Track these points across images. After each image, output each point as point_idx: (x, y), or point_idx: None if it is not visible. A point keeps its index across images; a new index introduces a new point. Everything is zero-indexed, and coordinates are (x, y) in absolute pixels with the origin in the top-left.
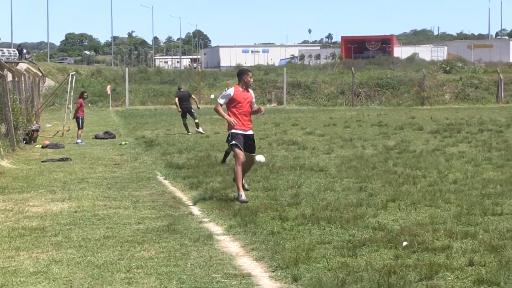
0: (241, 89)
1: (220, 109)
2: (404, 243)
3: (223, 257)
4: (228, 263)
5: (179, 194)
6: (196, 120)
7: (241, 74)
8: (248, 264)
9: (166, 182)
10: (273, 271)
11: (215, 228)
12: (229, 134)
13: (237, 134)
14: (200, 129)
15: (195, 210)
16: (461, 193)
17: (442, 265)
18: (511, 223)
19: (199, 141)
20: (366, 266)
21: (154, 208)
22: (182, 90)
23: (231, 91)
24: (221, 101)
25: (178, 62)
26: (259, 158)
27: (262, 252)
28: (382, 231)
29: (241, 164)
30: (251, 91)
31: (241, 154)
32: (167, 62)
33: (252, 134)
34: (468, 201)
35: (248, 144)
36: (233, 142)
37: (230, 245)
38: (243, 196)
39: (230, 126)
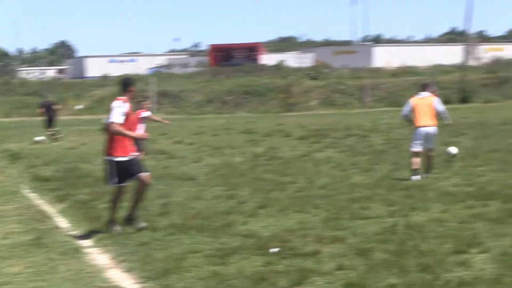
0: (128, 102)
1: (122, 129)
2: (274, 250)
3: (92, 270)
4: (98, 276)
5: (46, 207)
6: (54, 130)
7: (128, 84)
8: (118, 276)
9: (32, 195)
10: (144, 282)
11: (83, 241)
12: (109, 163)
13: (121, 164)
14: (41, 138)
15: (63, 223)
16: (329, 198)
17: (312, 270)
18: (378, 227)
19: (66, 153)
20: (237, 274)
21: (21, 222)
22: (47, 99)
23: (125, 105)
24: (121, 119)
25: (43, 73)
26: (453, 150)
27: (132, 264)
28: (252, 238)
29: (122, 195)
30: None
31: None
32: (32, 73)
33: (138, 155)
34: (336, 205)
35: (137, 165)
36: (116, 181)
37: (99, 257)
38: (117, 225)
39: (116, 150)
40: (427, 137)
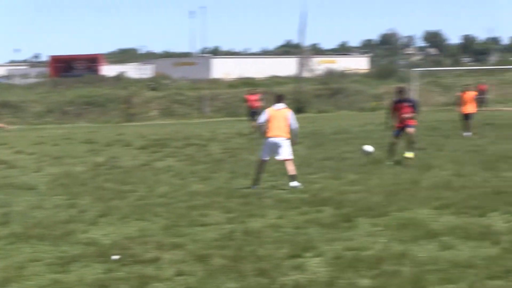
0: None
1: None
2: (115, 257)
3: None
4: None
5: None
6: None
7: None
8: None
9: None
10: None
11: None
12: None
13: None
14: None
15: None
16: (169, 206)
17: (152, 277)
18: (217, 233)
19: None
20: (78, 281)
21: None
22: None
23: None
24: None
25: None
26: (368, 148)
27: None
28: (93, 246)
29: None
30: None
31: None
32: None
33: None
34: (175, 213)
35: None
36: None
37: None
38: None
39: None
40: (275, 148)
